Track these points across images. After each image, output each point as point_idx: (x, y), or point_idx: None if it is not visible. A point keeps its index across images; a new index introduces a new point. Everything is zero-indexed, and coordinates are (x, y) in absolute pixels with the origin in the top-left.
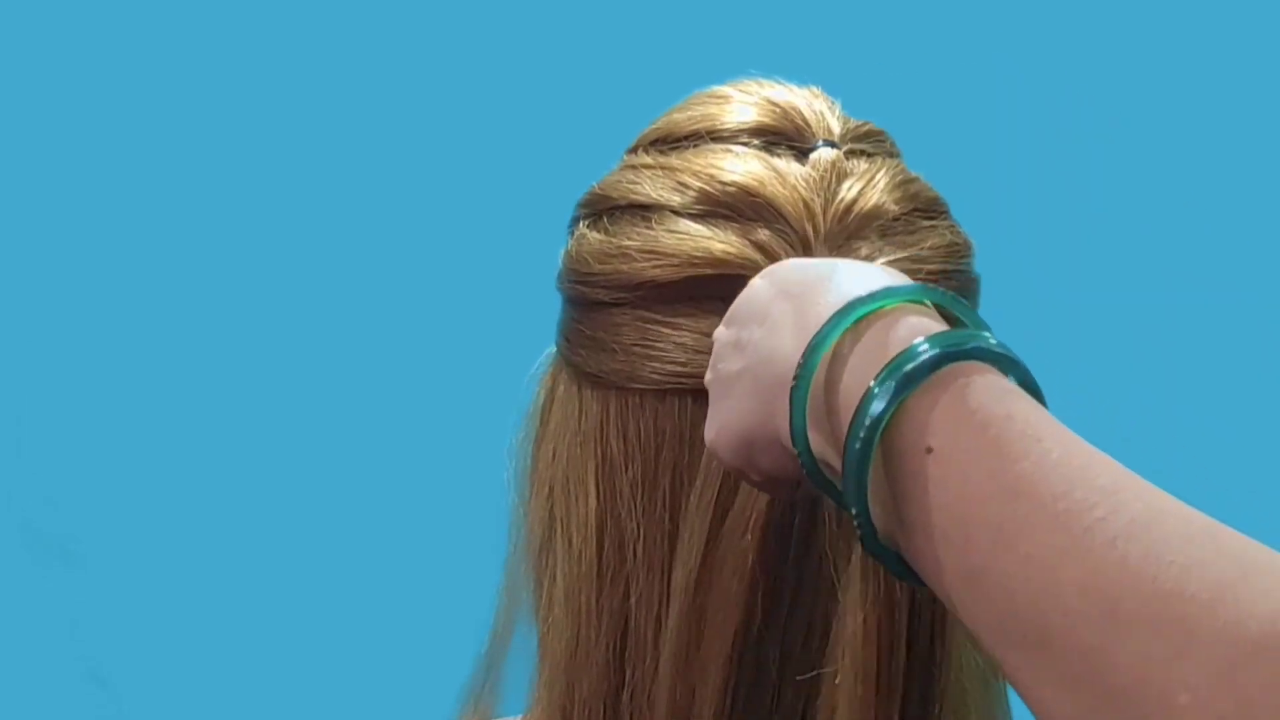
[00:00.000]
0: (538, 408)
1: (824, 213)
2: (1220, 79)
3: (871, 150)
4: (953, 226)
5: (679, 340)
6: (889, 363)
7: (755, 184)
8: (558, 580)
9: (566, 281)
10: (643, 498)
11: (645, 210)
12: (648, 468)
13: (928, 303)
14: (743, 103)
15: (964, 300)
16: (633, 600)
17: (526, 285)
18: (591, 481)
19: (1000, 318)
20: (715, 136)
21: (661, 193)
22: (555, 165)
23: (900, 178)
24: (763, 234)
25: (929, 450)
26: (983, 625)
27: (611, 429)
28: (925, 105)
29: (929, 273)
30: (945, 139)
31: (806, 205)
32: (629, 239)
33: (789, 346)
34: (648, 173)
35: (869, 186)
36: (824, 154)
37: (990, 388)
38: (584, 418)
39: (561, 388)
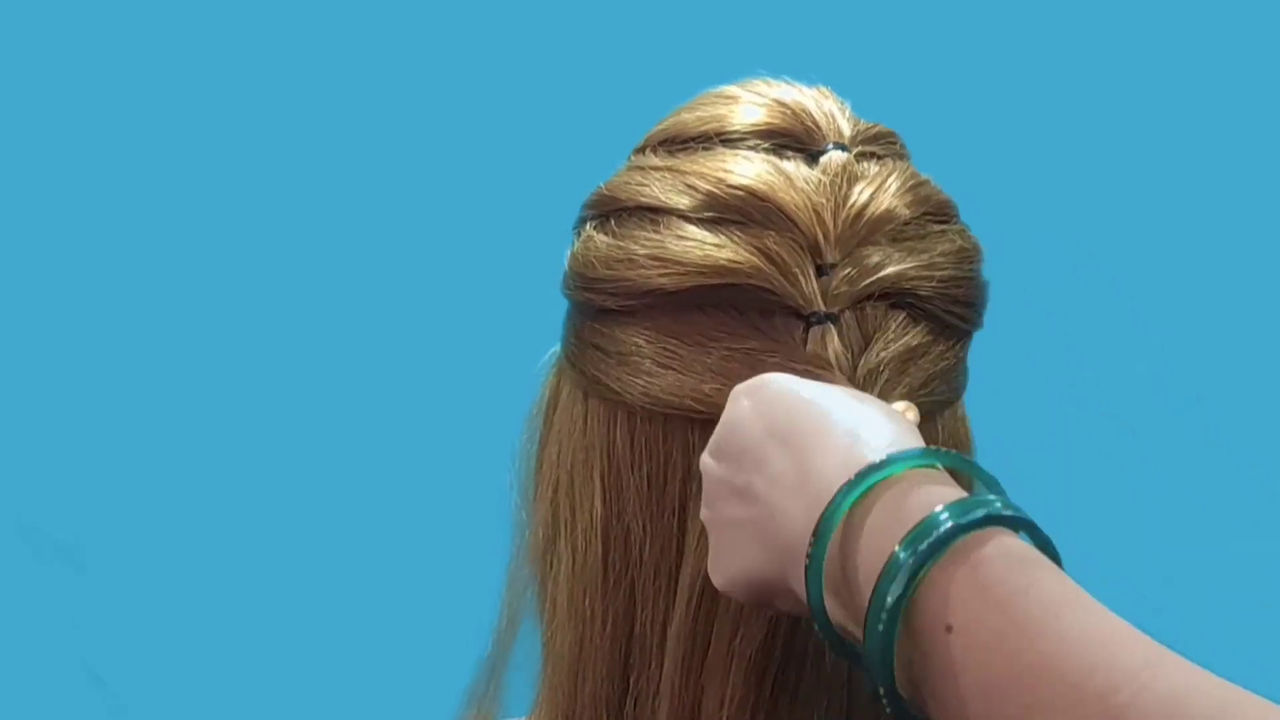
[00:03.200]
0: (541, 409)
1: (834, 218)
2: (1240, 83)
3: (882, 152)
4: (963, 231)
5: (685, 352)
6: (904, 537)
7: (764, 188)
8: (562, 583)
9: (572, 286)
10: (650, 501)
11: (653, 213)
12: (655, 472)
13: (938, 465)
14: (751, 103)
15: (972, 461)
16: (638, 604)
17: (531, 285)
18: (597, 484)
19: (1009, 321)
20: (724, 138)
21: (669, 195)
22: (562, 164)
23: (911, 181)
24: (772, 241)
25: (949, 629)
26: None
27: (619, 433)
28: (935, 106)
29: (940, 279)
30: (955, 140)
31: (816, 211)
32: (636, 244)
33: (796, 513)
34: (655, 174)
35: (880, 190)
36: (834, 157)
37: (1007, 557)
38: (589, 421)
39: (566, 390)
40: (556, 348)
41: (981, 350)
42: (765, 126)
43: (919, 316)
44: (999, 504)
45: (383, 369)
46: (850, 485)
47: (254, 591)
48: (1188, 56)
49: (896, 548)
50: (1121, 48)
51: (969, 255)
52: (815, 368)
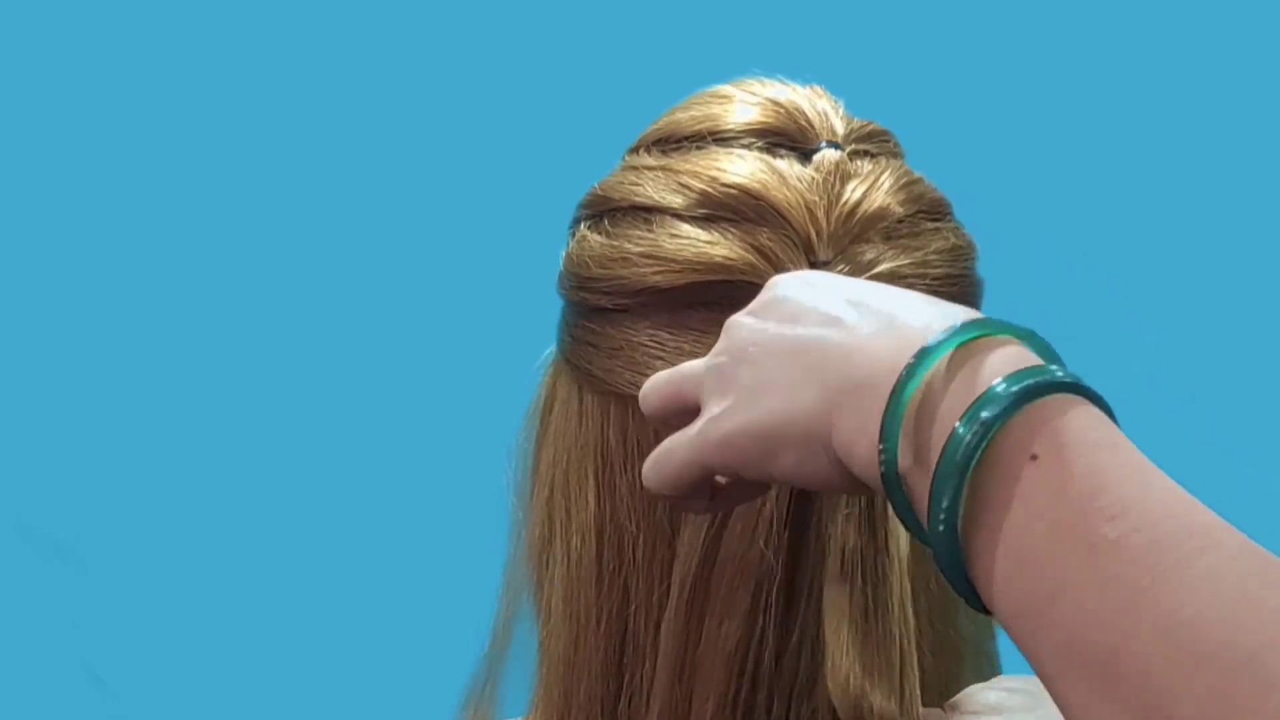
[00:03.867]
0: (538, 409)
1: (827, 215)
2: (1228, 81)
3: (875, 151)
4: (956, 229)
5: (681, 348)
6: (1010, 374)
7: (757, 186)
8: (557, 582)
9: (567, 285)
10: (642, 500)
11: (647, 212)
12: None
13: (1019, 339)
14: (745, 103)
15: (1039, 337)
16: (632, 603)
17: (527, 285)
18: (591, 483)
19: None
20: (717, 137)
21: (663, 194)
22: (556, 165)
23: (904, 179)
24: (765, 238)
25: (1034, 457)
26: (1045, 647)
27: (612, 431)
28: (928, 105)
29: (934, 276)
30: (949, 138)
31: (809, 208)
32: (630, 242)
33: (881, 350)
34: (649, 174)
35: (873, 188)
36: (827, 155)
37: (1103, 419)
38: (585, 420)
39: (562, 390)
40: (553, 348)
41: None
42: (759, 125)
43: None
44: (1083, 382)
45: (380, 369)
46: (954, 330)
47: (253, 591)
48: (1177, 55)
49: (998, 381)
50: (1114, 47)
51: (963, 253)
52: None
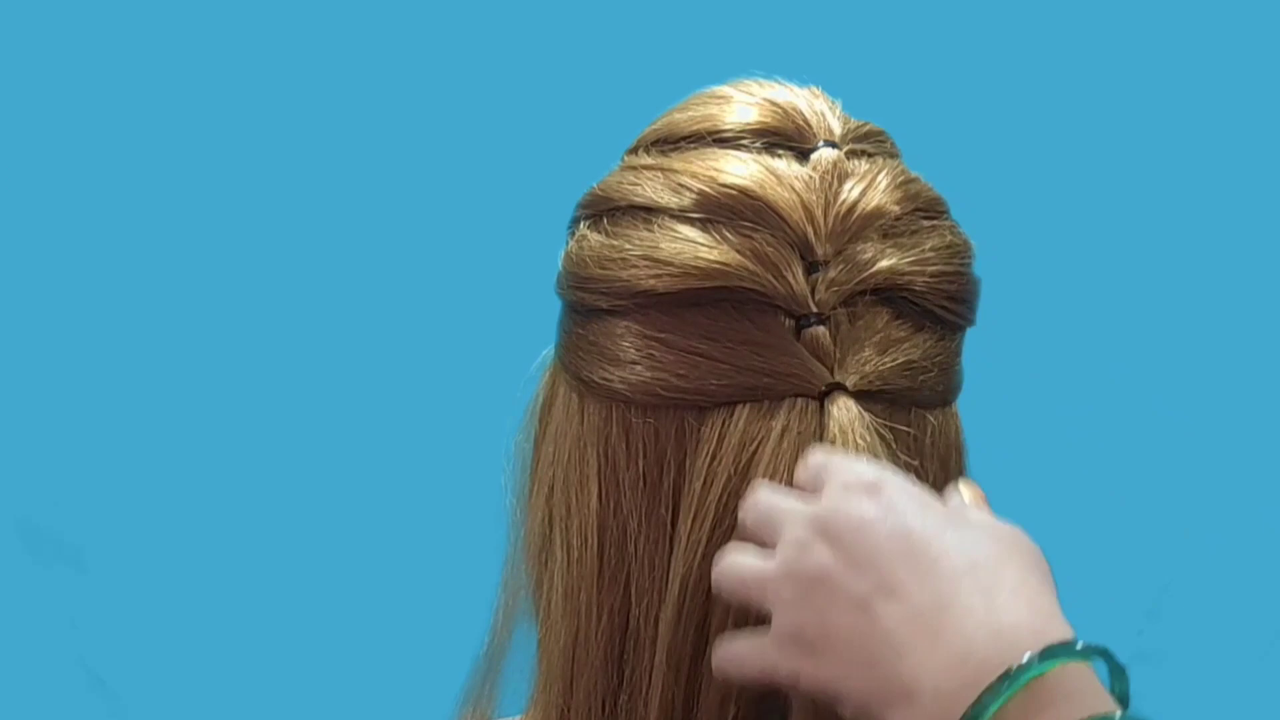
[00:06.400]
0: (537, 408)
1: (825, 214)
2: (1225, 81)
3: (872, 150)
4: (953, 227)
5: (680, 351)
6: None
7: (754, 186)
8: (557, 580)
9: (565, 286)
10: (645, 496)
11: (647, 212)
12: (650, 466)
13: (1085, 660)
14: (743, 103)
15: (1113, 653)
16: (632, 599)
17: (526, 285)
18: (594, 480)
19: (1000, 320)
20: (716, 137)
21: (661, 195)
22: (556, 165)
23: (901, 178)
24: (762, 240)
25: None
26: None
27: (614, 430)
28: (925, 105)
29: (931, 274)
30: (946, 138)
31: (806, 207)
32: (630, 243)
33: (932, 679)
34: (647, 174)
35: (870, 187)
36: (825, 154)
37: None
38: (584, 420)
39: (561, 389)
40: (550, 349)
41: (972, 349)
42: (757, 125)
43: (911, 312)
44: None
45: (379, 370)
46: (1004, 683)
47: (253, 591)
48: (1176, 56)
49: None
50: (1112, 47)
51: (960, 251)
52: (808, 366)
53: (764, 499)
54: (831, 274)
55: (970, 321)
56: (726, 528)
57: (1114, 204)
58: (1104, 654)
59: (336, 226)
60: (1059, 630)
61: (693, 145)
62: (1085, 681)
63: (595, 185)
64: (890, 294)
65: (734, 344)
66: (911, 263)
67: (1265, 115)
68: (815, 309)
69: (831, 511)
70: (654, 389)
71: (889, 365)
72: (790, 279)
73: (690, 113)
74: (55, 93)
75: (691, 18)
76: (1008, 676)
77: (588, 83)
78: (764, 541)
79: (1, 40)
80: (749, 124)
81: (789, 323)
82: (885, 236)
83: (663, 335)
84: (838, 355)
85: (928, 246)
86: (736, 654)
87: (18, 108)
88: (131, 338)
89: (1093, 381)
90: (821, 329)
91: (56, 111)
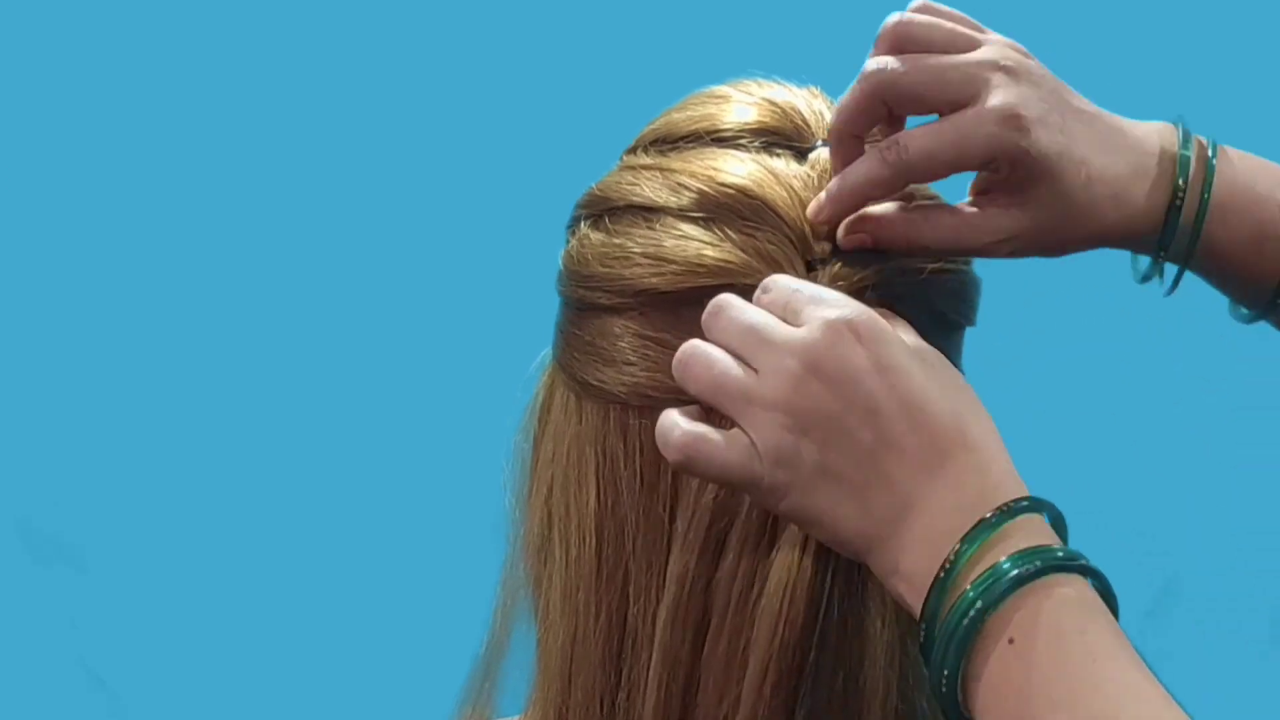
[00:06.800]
0: (536, 408)
1: None
2: (1223, 81)
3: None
4: None
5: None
6: (1019, 552)
7: (753, 185)
8: (556, 579)
9: (567, 283)
10: (643, 495)
11: (647, 212)
12: (647, 466)
13: (1041, 515)
14: (742, 103)
15: (1063, 517)
16: (630, 598)
17: (525, 285)
18: (592, 480)
19: (1000, 317)
20: (715, 137)
21: (661, 194)
22: (555, 166)
23: None
24: (762, 239)
25: (1010, 641)
26: None
27: (611, 430)
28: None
29: (930, 272)
30: None
31: (804, 206)
32: (632, 241)
33: (921, 523)
34: (646, 174)
35: None
36: (823, 154)
37: (1076, 600)
38: (582, 420)
39: (559, 390)
40: (549, 350)
41: (972, 349)
42: (756, 125)
43: (910, 309)
44: (1083, 558)
45: (379, 371)
46: (997, 516)
47: (253, 591)
48: (1175, 56)
49: (1003, 559)
50: (1111, 47)
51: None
52: None
53: (741, 312)
54: (829, 273)
55: (970, 320)
56: (722, 527)
57: None
58: (1048, 507)
59: (336, 227)
60: (1017, 488)
61: (691, 145)
62: (1034, 528)
63: (594, 185)
64: (889, 292)
65: None
66: (911, 261)
67: (1265, 115)
68: None
69: (822, 351)
70: (649, 390)
71: None
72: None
73: (689, 112)
74: (55, 93)
75: (691, 18)
76: (1000, 511)
77: (587, 83)
78: (740, 354)
79: (2, 40)
80: (747, 123)
81: None
82: None
83: (659, 335)
84: None
85: None
86: (710, 450)
87: (18, 108)
88: (131, 339)
89: (1093, 382)
90: None
91: (56, 112)
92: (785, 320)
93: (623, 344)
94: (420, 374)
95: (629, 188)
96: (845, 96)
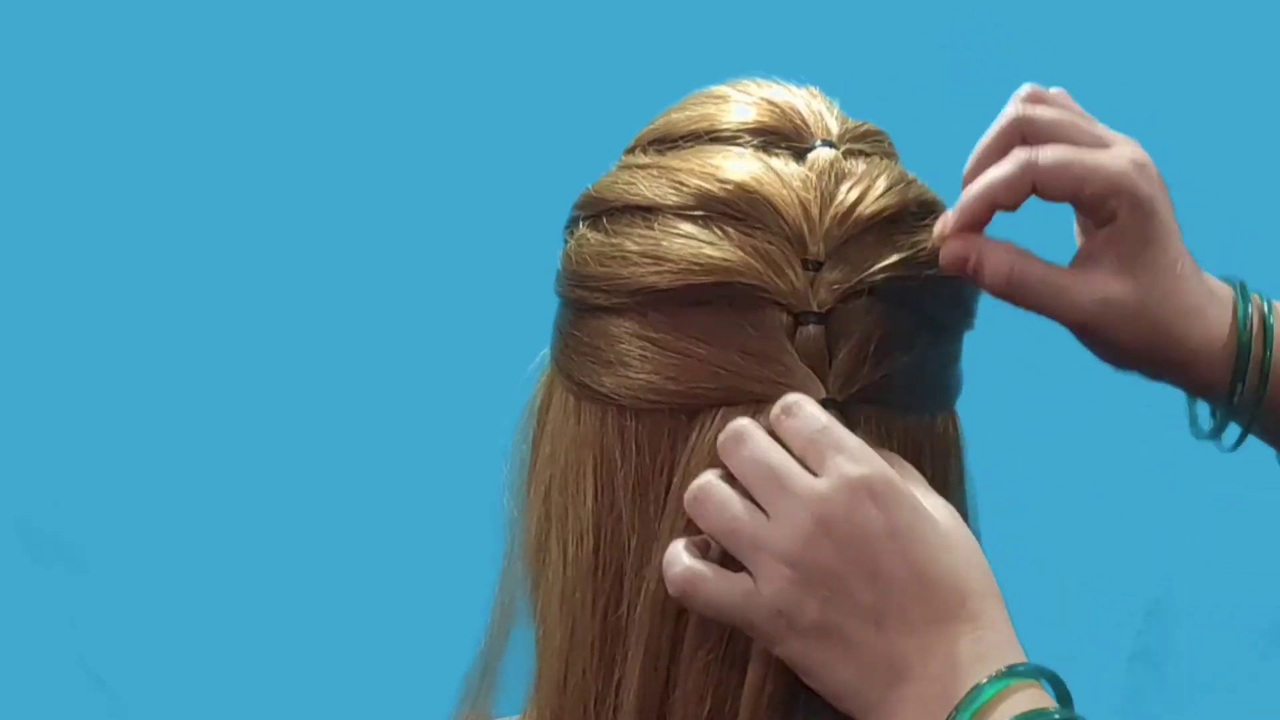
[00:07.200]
0: (534, 409)
1: (821, 213)
2: (1226, 82)
3: (870, 151)
4: None
5: (676, 353)
6: None
7: (752, 183)
8: (554, 579)
9: (565, 285)
10: (639, 496)
11: (646, 211)
12: (644, 467)
13: (1037, 681)
14: (741, 103)
15: (1053, 674)
16: (625, 598)
17: (523, 285)
18: (590, 480)
19: (1000, 321)
20: (714, 136)
21: (660, 193)
22: (554, 166)
23: (899, 180)
24: (762, 238)
25: None
26: None
27: (609, 431)
28: (923, 106)
29: (928, 276)
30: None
31: (803, 205)
32: (631, 240)
33: (912, 692)
34: (643, 173)
35: (869, 189)
36: (822, 154)
37: None
38: (580, 421)
39: (557, 391)
40: (547, 351)
41: (972, 350)
42: (755, 125)
43: (908, 313)
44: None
45: (377, 371)
46: (970, 696)
47: (252, 591)
48: (1175, 57)
49: None
50: (1110, 48)
51: None
52: (804, 365)
53: (763, 451)
54: (830, 273)
55: (968, 325)
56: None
57: None
58: (1048, 674)
59: (335, 227)
60: (1015, 655)
61: (690, 144)
62: (1032, 694)
63: (591, 186)
64: (887, 295)
65: (727, 346)
66: (909, 264)
67: (1265, 116)
68: (816, 307)
69: (838, 509)
70: (647, 392)
71: (886, 366)
72: (791, 276)
73: (688, 112)
74: (55, 94)
75: (691, 18)
76: (971, 694)
77: (587, 83)
78: (755, 493)
79: (2, 40)
80: (747, 123)
81: (787, 320)
82: (883, 238)
83: (658, 336)
84: (833, 355)
85: (926, 249)
86: (708, 590)
87: (18, 108)
88: (131, 339)
89: (1093, 383)
90: (818, 328)
91: (56, 113)
92: (805, 461)
93: (622, 345)
94: (419, 374)
95: (626, 187)
96: (993, 172)
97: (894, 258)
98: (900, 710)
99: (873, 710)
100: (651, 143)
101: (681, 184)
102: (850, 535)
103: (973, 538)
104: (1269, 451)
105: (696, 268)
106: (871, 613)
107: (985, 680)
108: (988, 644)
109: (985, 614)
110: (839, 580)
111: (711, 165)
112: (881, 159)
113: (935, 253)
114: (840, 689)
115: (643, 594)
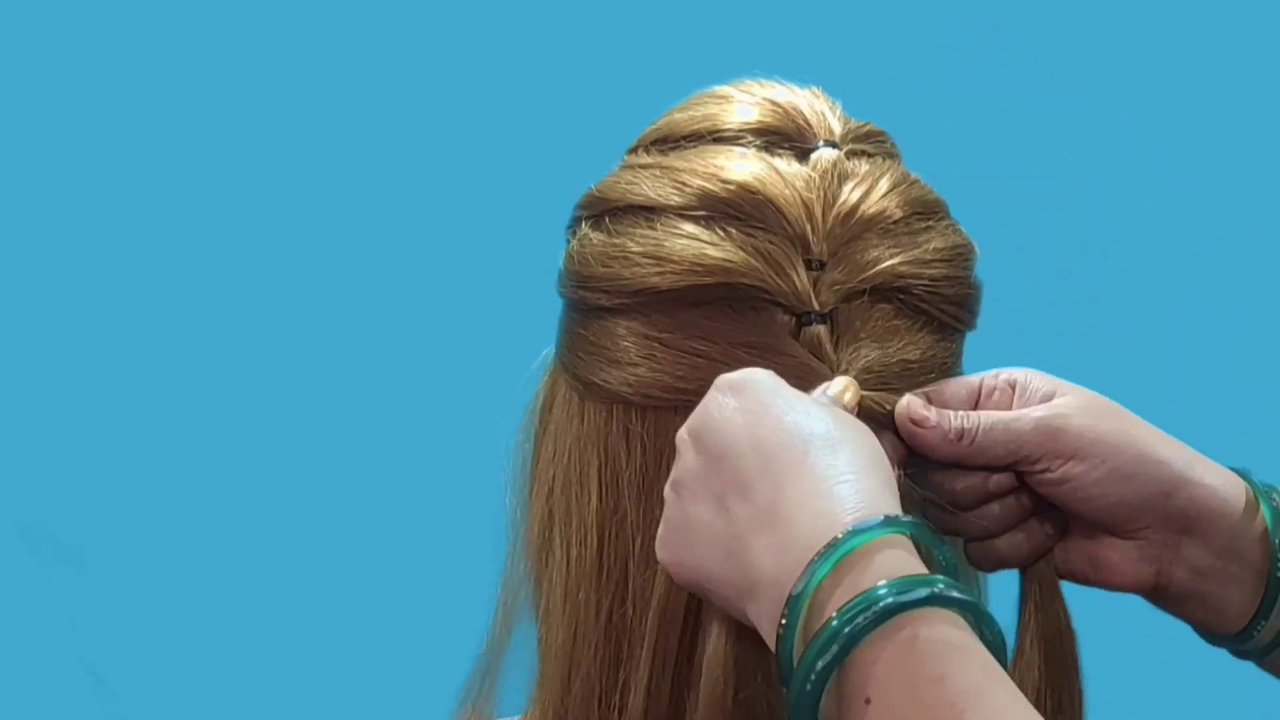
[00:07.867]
0: (537, 408)
1: (824, 213)
2: (1225, 83)
3: (872, 151)
4: (955, 229)
5: (680, 352)
6: (843, 606)
7: (755, 183)
8: (557, 578)
9: (568, 285)
10: (644, 495)
11: (648, 211)
12: (648, 466)
13: (905, 533)
14: (744, 103)
15: (932, 530)
16: (629, 597)
17: (525, 285)
18: (594, 480)
19: (1000, 324)
20: (716, 136)
21: (662, 193)
22: (555, 166)
23: (901, 180)
24: (764, 238)
25: (867, 701)
26: None
27: (613, 430)
28: (926, 105)
29: (931, 277)
30: (945, 140)
31: (805, 205)
32: (632, 241)
33: (766, 558)
34: (645, 173)
35: (871, 189)
36: (824, 154)
37: (933, 641)
38: (584, 420)
39: (561, 390)
40: (550, 349)
41: (973, 350)
42: (757, 125)
43: (910, 314)
44: (941, 584)
45: (379, 370)
46: (819, 560)
47: (253, 591)
48: (1174, 57)
49: (833, 616)
50: (1110, 48)
51: (961, 253)
52: (807, 364)
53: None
54: (832, 273)
55: (970, 325)
56: None
57: (1115, 205)
58: (914, 526)
59: (336, 227)
60: (877, 509)
61: (693, 144)
62: (897, 553)
63: (593, 186)
64: (890, 295)
65: (731, 345)
66: (911, 264)
67: (1265, 116)
68: (818, 307)
69: (699, 414)
70: (652, 390)
71: (887, 366)
72: (794, 276)
73: (691, 112)
74: (55, 94)
75: (691, 18)
76: (820, 554)
77: (588, 83)
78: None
79: (2, 41)
80: (749, 123)
81: (789, 320)
82: (885, 238)
83: (662, 335)
84: (836, 354)
85: (928, 249)
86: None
87: (18, 108)
88: (130, 338)
89: (1093, 383)
90: (821, 328)
91: (56, 113)
92: None
93: (625, 344)
94: (421, 374)
95: (629, 187)
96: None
97: (897, 258)
98: (757, 603)
99: (743, 596)
100: (654, 143)
101: (684, 184)
102: (707, 428)
103: (859, 430)
104: (1271, 452)
105: (699, 268)
106: (719, 496)
107: (816, 556)
108: (822, 500)
109: (840, 463)
110: (696, 476)
111: (714, 165)
112: (884, 159)
113: (940, 252)
114: (721, 587)
115: (647, 593)
